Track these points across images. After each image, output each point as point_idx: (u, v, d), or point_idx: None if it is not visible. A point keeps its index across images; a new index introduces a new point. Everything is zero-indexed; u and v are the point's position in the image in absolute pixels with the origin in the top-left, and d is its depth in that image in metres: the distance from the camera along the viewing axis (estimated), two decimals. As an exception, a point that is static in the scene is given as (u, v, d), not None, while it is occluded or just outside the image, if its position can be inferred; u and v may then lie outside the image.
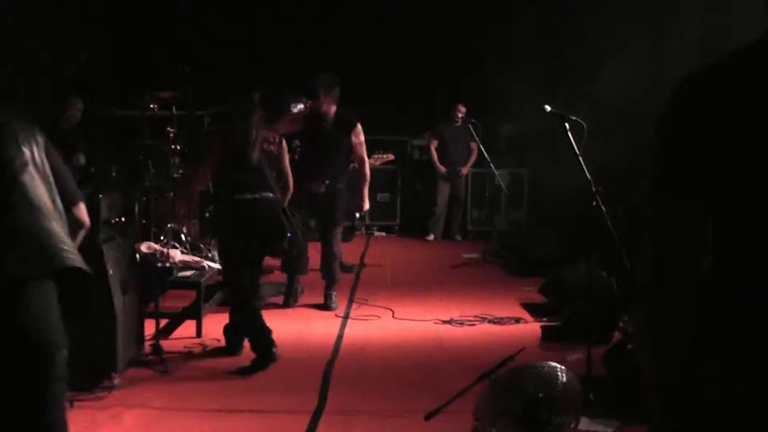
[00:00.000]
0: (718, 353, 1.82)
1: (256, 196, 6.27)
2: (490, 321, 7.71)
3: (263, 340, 6.26)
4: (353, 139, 7.98)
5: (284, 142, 6.64)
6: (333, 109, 7.82)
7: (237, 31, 13.13)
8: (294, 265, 8.18)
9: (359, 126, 8.00)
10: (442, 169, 12.62)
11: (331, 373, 6.11)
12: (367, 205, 8.35)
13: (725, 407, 1.81)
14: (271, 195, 6.34)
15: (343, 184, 8.12)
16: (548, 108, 5.63)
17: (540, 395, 4.05)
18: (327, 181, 7.96)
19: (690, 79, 1.88)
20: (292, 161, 7.15)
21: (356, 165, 8.18)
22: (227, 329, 6.61)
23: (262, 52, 13.17)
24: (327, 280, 8.28)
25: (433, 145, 12.65)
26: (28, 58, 9.50)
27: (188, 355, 6.46)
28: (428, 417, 4.34)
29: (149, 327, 6.43)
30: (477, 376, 4.48)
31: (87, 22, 11.38)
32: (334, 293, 8.25)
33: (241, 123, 6.33)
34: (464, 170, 12.77)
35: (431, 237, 12.76)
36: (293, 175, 6.90)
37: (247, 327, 6.39)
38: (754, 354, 1.77)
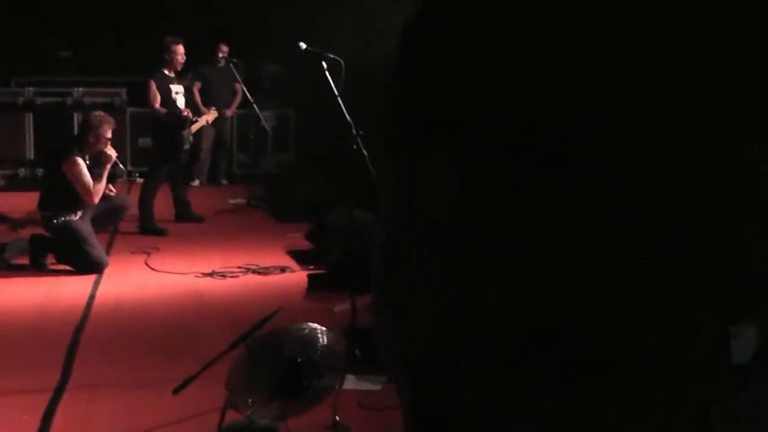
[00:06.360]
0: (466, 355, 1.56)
1: None
2: (254, 271, 7.35)
3: None
4: None
5: None
6: None
7: None
8: None
9: None
10: (206, 110, 12.07)
11: (78, 341, 5.55)
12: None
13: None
14: None
15: None
16: (303, 46, 5.29)
17: (299, 360, 3.73)
18: None
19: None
20: None
21: None
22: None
23: None
24: None
25: (196, 87, 12.05)
26: None
27: None
28: (176, 391, 3.94)
29: None
30: (232, 341, 4.11)
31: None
32: None
33: None
34: (229, 112, 12.34)
35: (196, 182, 12.24)
36: None
37: None
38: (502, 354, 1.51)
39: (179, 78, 9.70)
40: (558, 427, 1.53)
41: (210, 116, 10.27)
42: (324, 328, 3.85)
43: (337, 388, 3.98)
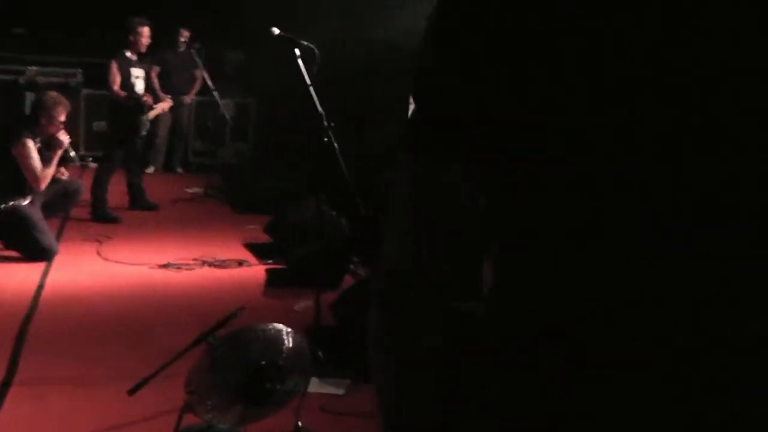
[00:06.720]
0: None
1: None
2: (210, 264, 7.10)
3: None
4: None
5: None
6: None
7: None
8: None
9: None
10: (164, 97, 11.78)
11: (26, 333, 5.27)
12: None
13: None
14: None
15: None
16: (276, 31, 5.07)
17: (263, 363, 3.53)
18: None
19: None
20: None
21: None
22: None
23: None
24: None
25: (155, 72, 11.75)
26: None
27: None
28: (132, 392, 3.72)
29: None
30: (193, 338, 3.89)
31: None
32: None
33: None
34: (187, 99, 12.03)
35: (151, 169, 11.92)
36: None
37: None
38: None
39: (140, 61, 9.41)
40: (558, 427, 1.49)
41: (166, 105, 10.02)
42: (289, 329, 3.65)
43: (301, 392, 3.79)
